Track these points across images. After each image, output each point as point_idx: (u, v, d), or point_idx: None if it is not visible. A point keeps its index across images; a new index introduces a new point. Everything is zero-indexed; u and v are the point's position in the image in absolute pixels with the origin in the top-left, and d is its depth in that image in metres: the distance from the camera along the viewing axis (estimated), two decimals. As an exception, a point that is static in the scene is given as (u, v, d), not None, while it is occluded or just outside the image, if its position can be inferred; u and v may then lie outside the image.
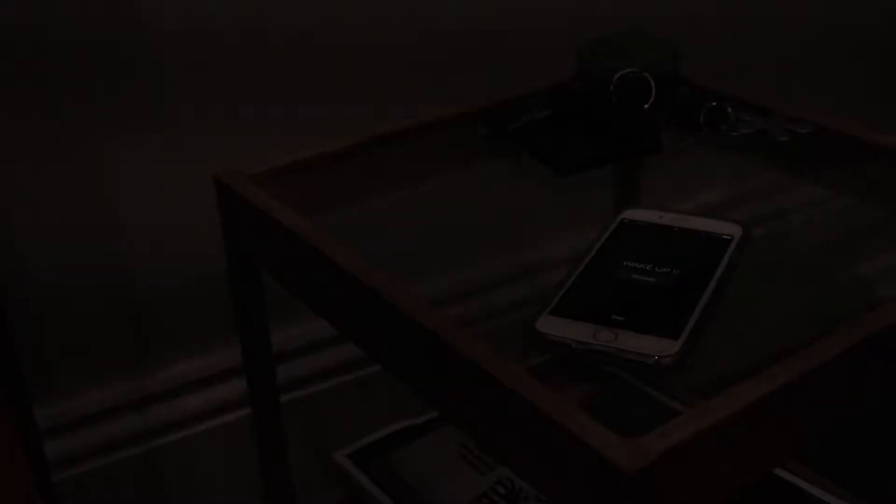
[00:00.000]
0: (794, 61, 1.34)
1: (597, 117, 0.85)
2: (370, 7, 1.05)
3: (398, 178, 0.89)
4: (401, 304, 0.61)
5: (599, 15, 1.15)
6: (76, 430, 1.08)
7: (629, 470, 0.44)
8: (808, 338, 0.55)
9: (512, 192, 1.14)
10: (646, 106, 0.84)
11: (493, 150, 0.91)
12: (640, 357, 0.56)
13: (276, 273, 0.80)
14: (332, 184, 0.85)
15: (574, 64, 0.92)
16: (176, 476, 1.16)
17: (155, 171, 1.02)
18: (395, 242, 1.08)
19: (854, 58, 1.42)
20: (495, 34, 1.12)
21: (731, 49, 1.27)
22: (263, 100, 1.04)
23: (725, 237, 0.63)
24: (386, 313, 0.63)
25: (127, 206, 1.03)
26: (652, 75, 0.84)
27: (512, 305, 1.23)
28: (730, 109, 0.85)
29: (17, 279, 0.98)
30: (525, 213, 1.20)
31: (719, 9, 1.26)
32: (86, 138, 0.98)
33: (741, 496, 0.51)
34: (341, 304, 0.71)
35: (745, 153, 0.86)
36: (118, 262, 1.05)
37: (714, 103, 0.85)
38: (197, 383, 1.14)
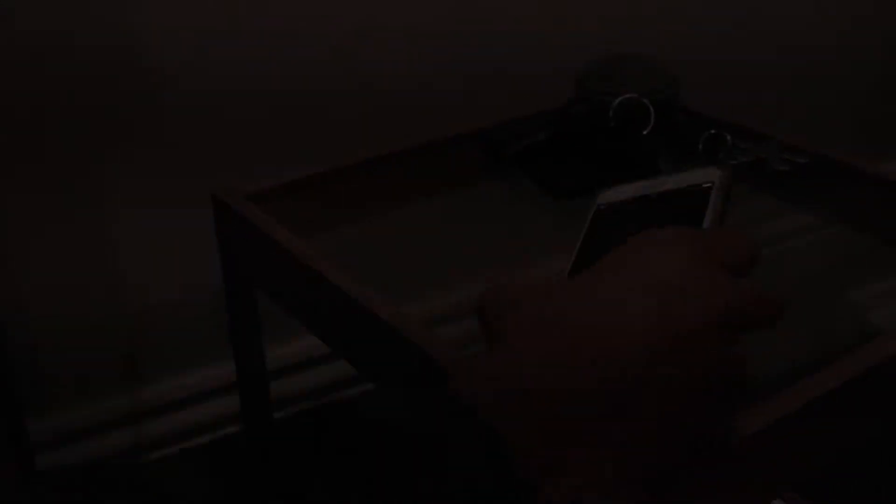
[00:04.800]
0: (793, 87, 1.35)
1: (595, 142, 0.85)
2: (369, 28, 1.06)
3: (395, 198, 0.89)
4: (394, 324, 0.61)
5: (599, 40, 1.16)
6: (68, 444, 1.08)
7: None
8: (803, 364, 0.55)
9: (508, 214, 1.14)
10: (644, 132, 0.84)
11: (490, 172, 0.91)
12: None
13: (271, 290, 0.80)
14: (328, 203, 0.85)
15: (573, 88, 0.92)
16: (166, 491, 1.16)
17: (151, 189, 1.02)
18: (390, 262, 1.08)
19: (852, 85, 1.42)
20: (495, 58, 1.12)
21: (730, 75, 1.28)
22: (261, 120, 1.05)
23: (706, 185, 0.57)
24: (380, 333, 0.63)
25: (122, 223, 1.03)
26: (651, 101, 0.84)
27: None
28: (728, 137, 0.85)
29: (11, 294, 0.98)
30: (521, 235, 1.20)
31: (719, 36, 1.26)
32: (82, 155, 0.98)
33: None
34: (335, 323, 0.71)
35: (742, 181, 0.86)
36: (113, 277, 1.05)
37: (712, 131, 0.85)
38: (189, 399, 1.13)
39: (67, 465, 1.08)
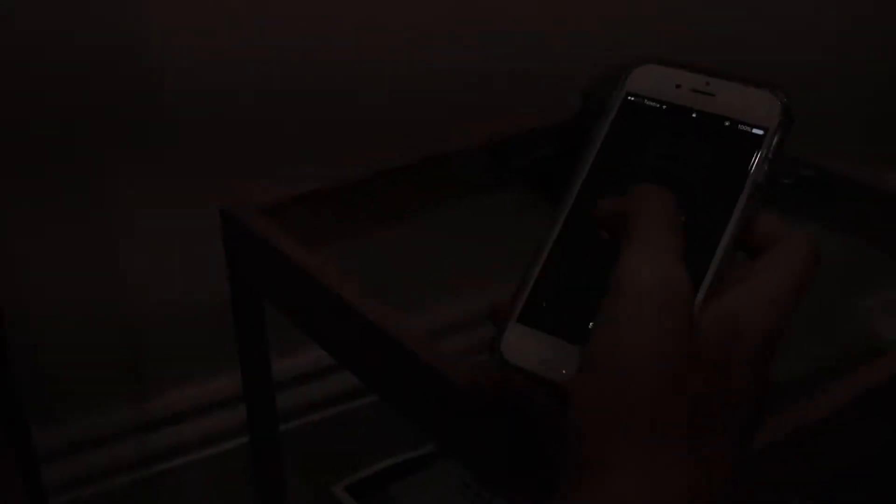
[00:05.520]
0: (796, 96, 1.35)
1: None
2: (378, 39, 1.06)
3: (403, 210, 0.90)
4: (401, 338, 0.61)
5: (604, 52, 1.16)
6: (74, 456, 1.08)
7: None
8: (808, 373, 0.55)
9: (516, 226, 1.14)
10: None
11: (497, 184, 0.91)
12: None
13: (278, 303, 0.80)
14: (336, 215, 0.85)
15: (579, 100, 0.92)
16: (172, 503, 1.15)
17: (157, 199, 1.02)
18: (397, 274, 1.08)
19: (856, 93, 1.42)
20: (501, 70, 1.13)
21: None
22: (269, 133, 1.05)
23: (756, 132, 0.46)
24: (386, 345, 0.63)
25: (128, 234, 1.03)
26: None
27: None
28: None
29: (17, 305, 0.98)
30: (528, 247, 1.20)
31: (723, 46, 1.26)
32: (85, 161, 0.98)
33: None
34: (342, 335, 0.71)
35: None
36: (119, 289, 1.05)
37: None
38: (196, 411, 1.13)
39: (71, 478, 1.08)
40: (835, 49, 1.36)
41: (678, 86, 0.48)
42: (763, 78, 0.47)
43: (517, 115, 0.96)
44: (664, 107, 0.47)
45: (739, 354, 0.38)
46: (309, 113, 1.06)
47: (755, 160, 0.45)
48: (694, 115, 0.47)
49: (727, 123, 0.46)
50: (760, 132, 0.45)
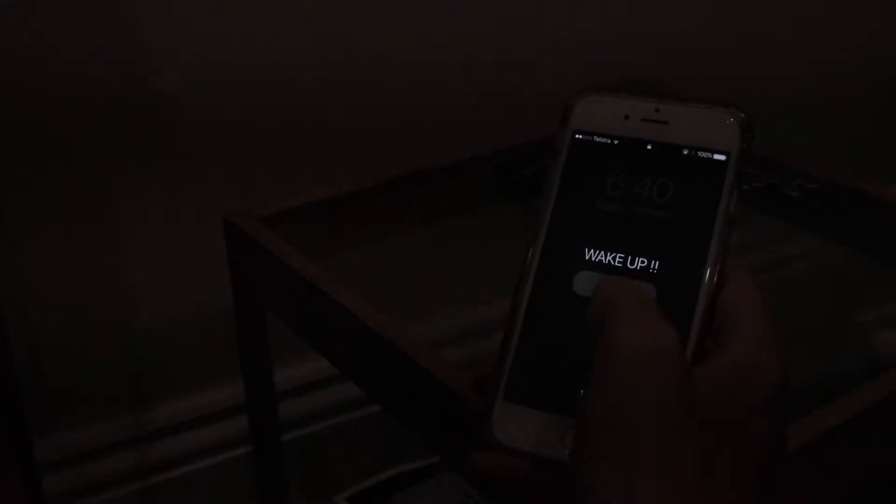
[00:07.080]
0: (804, 111, 1.35)
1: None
2: (381, 51, 1.06)
3: (406, 221, 0.90)
4: (403, 347, 0.61)
5: (610, 64, 1.16)
6: (76, 466, 1.08)
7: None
8: (809, 386, 0.55)
9: (518, 239, 1.14)
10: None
11: (501, 196, 0.91)
12: None
13: (281, 312, 0.80)
14: (340, 225, 0.85)
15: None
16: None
17: (159, 209, 1.02)
18: (398, 285, 1.08)
19: (862, 107, 1.42)
20: (506, 81, 1.13)
21: (740, 101, 1.28)
22: (272, 143, 1.05)
23: (718, 158, 0.42)
24: (389, 356, 0.63)
25: (130, 244, 1.03)
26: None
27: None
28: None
29: (19, 314, 0.98)
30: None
31: (727, 59, 1.27)
32: (89, 171, 0.98)
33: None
34: (345, 346, 0.71)
35: (755, 205, 0.86)
36: (120, 298, 1.05)
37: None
38: (197, 420, 1.13)
39: (72, 488, 1.08)
40: (839, 62, 1.36)
41: (626, 116, 0.44)
42: (715, 95, 0.45)
43: (519, 127, 0.96)
44: (615, 142, 0.44)
45: (753, 406, 0.37)
46: (313, 124, 1.06)
47: (723, 190, 0.42)
48: (649, 147, 0.43)
49: (686, 152, 0.43)
50: (723, 157, 0.42)
